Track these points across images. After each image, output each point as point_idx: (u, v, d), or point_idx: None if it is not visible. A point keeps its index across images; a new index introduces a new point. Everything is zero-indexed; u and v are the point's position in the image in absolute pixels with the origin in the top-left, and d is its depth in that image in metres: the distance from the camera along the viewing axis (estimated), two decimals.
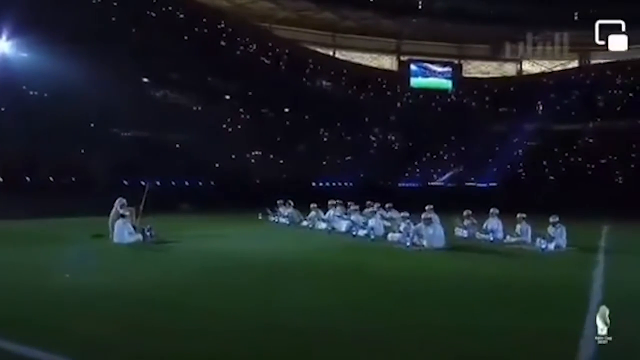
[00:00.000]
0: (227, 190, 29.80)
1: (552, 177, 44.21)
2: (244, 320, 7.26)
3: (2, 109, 26.32)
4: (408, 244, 14.47)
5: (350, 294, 9.05)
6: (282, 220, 21.23)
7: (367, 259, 13.11)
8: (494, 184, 42.89)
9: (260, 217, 22.28)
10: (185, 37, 39.66)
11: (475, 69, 56.20)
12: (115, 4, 35.77)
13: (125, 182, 25.71)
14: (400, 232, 15.66)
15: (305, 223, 20.23)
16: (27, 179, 24.32)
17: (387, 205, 19.41)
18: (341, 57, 53.19)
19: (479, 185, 43.59)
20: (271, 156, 39.34)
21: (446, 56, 54.90)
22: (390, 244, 15.48)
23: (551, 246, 14.33)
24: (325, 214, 19.91)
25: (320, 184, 37.24)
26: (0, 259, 12.02)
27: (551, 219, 14.87)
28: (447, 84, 53.80)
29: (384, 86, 52.50)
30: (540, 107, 49.41)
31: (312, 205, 20.28)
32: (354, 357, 5.95)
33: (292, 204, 21.63)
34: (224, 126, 39.13)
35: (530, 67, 55.11)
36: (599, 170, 43.22)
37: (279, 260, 12.75)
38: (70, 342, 6.15)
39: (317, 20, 50.66)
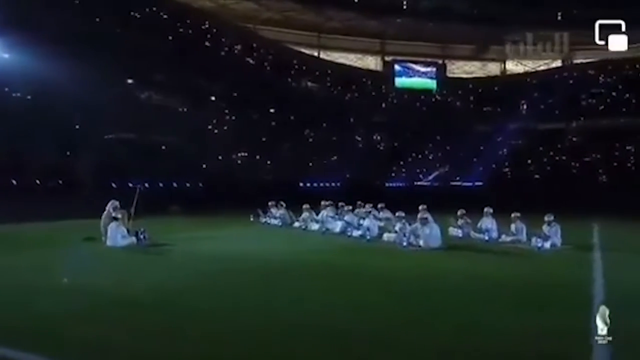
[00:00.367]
0: (215, 191, 29.65)
1: (537, 176, 44.49)
2: (248, 322, 7.19)
3: None
4: (405, 244, 14.43)
5: (354, 295, 8.98)
6: (274, 221, 21.03)
7: (366, 260, 13.04)
8: (480, 184, 43.02)
9: (251, 219, 22.08)
10: (170, 38, 39.38)
11: (460, 68, 56.45)
12: (99, 4, 35.33)
13: (114, 185, 25.40)
14: (395, 232, 15.59)
15: (297, 224, 20.08)
16: (13, 182, 23.88)
17: (379, 206, 19.33)
18: (326, 58, 53.08)
19: (465, 184, 43.73)
20: (257, 157, 39.26)
21: (430, 56, 55.06)
22: (387, 244, 15.42)
23: (547, 245, 14.37)
24: (317, 214, 19.79)
25: (308, 185, 37.11)
26: None
27: (546, 218, 14.92)
28: (431, 84, 53.95)
29: (369, 86, 52.59)
30: (525, 107, 49.77)
31: (304, 206, 20.14)
32: (360, 355, 5.94)
33: (283, 205, 21.47)
34: (210, 127, 38.95)
35: (513, 66, 55.49)
36: (584, 168, 43.63)
37: (276, 261, 12.65)
38: (70, 347, 6.10)
39: (301, 21, 50.55)
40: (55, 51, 26.71)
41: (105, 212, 15.46)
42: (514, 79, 53.73)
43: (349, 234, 17.15)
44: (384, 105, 52.14)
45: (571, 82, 49.08)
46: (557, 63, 52.68)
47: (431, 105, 52.54)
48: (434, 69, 54.27)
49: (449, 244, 14.94)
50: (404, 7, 48.66)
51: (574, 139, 46.99)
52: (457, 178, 44.89)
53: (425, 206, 17.50)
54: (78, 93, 27.16)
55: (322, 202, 19.88)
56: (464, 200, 21.97)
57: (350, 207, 18.80)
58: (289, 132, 41.86)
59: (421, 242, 14.45)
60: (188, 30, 42.06)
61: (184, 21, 41.78)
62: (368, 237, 16.07)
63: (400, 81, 53.61)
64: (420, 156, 47.78)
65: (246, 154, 39.18)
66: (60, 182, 25.35)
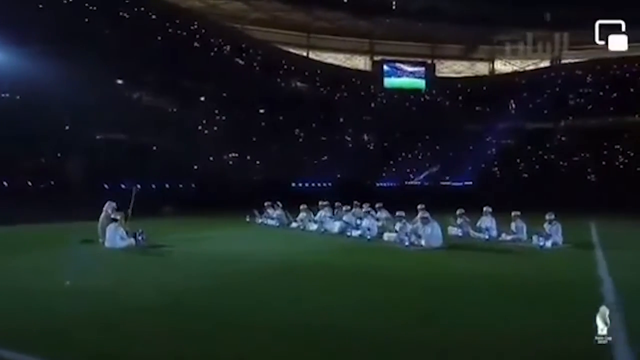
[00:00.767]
0: (208, 192, 29.51)
1: (526, 175, 44.74)
2: (257, 322, 7.13)
3: None
4: (407, 243, 14.36)
5: (361, 295, 8.92)
6: (271, 222, 20.89)
7: (370, 260, 12.94)
8: (470, 183, 43.20)
9: (247, 219, 21.91)
10: (159, 38, 39.08)
11: (448, 68, 56.62)
12: (87, 4, 35.01)
13: (106, 186, 25.14)
14: (396, 231, 15.54)
15: (294, 225, 19.95)
16: (5, 184, 23.56)
17: (377, 205, 19.24)
18: (315, 58, 52.99)
19: (455, 184, 43.87)
20: (248, 157, 39.10)
21: (419, 56, 55.12)
22: (387, 244, 15.34)
23: (548, 243, 14.40)
24: (314, 215, 19.68)
25: (300, 185, 37.04)
26: None
27: (547, 216, 14.95)
28: (420, 83, 54.01)
29: (358, 86, 52.48)
30: (513, 106, 49.96)
31: (301, 207, 20.02)
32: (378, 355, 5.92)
33: (280, 205, 21.33)
34: (200, 128, 38.77)
35: (502, 66, 55.77)
36: (572, 167, 43.93)
37: (279, 262, 12.55)
38: (74, 351, 6.04)
39: (290, 21, 50.46)
40: (44, 51, 26.44)
41: (103, 214, 15.27)
42: (502, 78, 53.97)
43: (348, 234, 17.07)
44: (373, 105, 52.13)
45: (559, 82, 49.39)
46: (546, 63, 53.01)
47: (420, 105, 52.61)
48: (423, 69, 54.35)
49: (450, 244, 14.91)
50: (393, 7, 48.66)
51: (563, 138, 47.35)
52: (447, 178, 45.03)
53: (423, 205, 17.45)
54: (67, 93, 26.98)
55: (320, 203, 19.75)
56: (454, 200, 22.12)
57: (349, 207, 18.72)
58: (278, 132, 41.67)
59: (423, 242, 14.41)
60: (177, 31, 41.81)
61: (173, 21, 41.54)
62: (368, 237, 15.99)
63: (389, 81, 53.63)
64: (409, 156, 47.82)
65: (237, 155, 38.99)
66: (52, 183, 25.02)
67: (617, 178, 40.05)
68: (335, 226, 18.10)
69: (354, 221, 17.61)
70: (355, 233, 16.86)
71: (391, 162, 46.36)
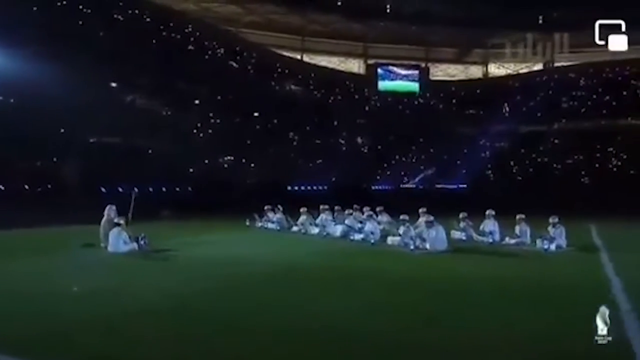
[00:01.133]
0: (205, 195, 29.33)
1: (519, 178, 44.94)
2: (261, 326, 7.08)
3: None
4: (412, 247, 14.29)
5: (370, 298, 8.89)
6: (271, 225, 20.71)
7: (375, 263, 12.87)
8: (464, 186, 43.30)
9: (247, 223, 21.76)
10: (153, 41, 38.91)
11: (442, 71, 56.82)
12: (82, 6, 34.85)
13: (103, 189, 24.97)
14: (399, 235, 15.48)
15: (295, 228, 19.81)
16: (1, 187, 23.33)
17: (378, 209, 19.11)
18: (309, 61, 52.97)
19: (449, 187, 43.94)
20: (243, 160, 39.02)
21: (413, 59, 55.24)
22: (391, 247, 15.25)
23: (553, 246, 14.37)
24: (315, 218, 19.58)
25: (296, 188, 37.00)
26: None
27: (551, 220, 14.91)
28: (414, 86, 54.17)
29: (352, 90, 52.57)
30: (507, 109, 50.15)
31: (302, 210, 19.91)
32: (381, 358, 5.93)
33: (280, 208, 21.20)
34: (195, 131, 38.63)
35: (496, 69, 56.02)
36: (566, 170, 44.17)
37: (284, 265, 12.49)
38: (76, 354, 6.03)
39: (284, 24, 50.49)
40: (37, 53, 26.35)
41: (104, 218, 15.13)
42: (496, 82, 54.32)
43: (351, 237, 16.99)
44: (367, 108, 52.19)
45: (553, 85, 49.67)
46: (539, 66, 53.29)
47: (414, 108, 52.73)
48: (417, 72, 54.54)
49: (454, 247, 14.85)
50: (387, 10, 48.77)
51: (556, 141, 47.55)
52: (441, 180, 45.10)
53: (425, 209, 17.42)
54: (62, 96, 26.79)
55: (321, 206, 19.62)
56: (449, 203, 22.12)
57: (350, 211, 18.65)
58: (273, 135, 41.68)
59: (428, 245, 14.36)
60: (171, 34, 41.70)
61: (167, 24, 41.41)
62: (372, 241, 15.90)
63: (383, 84, 53.78)
64: (404, 159, 47.94)
65: (232, 158, 38.89)
66: (49, 186, 24.82)
67: (610, 181, 40.32)
68: (338, 230, 18.00)
69: (356, 225, 17.53)
70: (358, 237, 16.77)
71: (385, 165, 46.45)
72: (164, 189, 29.17)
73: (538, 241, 14.76)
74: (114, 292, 9.25)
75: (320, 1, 46.88)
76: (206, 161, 35.63)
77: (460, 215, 17.14)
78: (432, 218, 14.89)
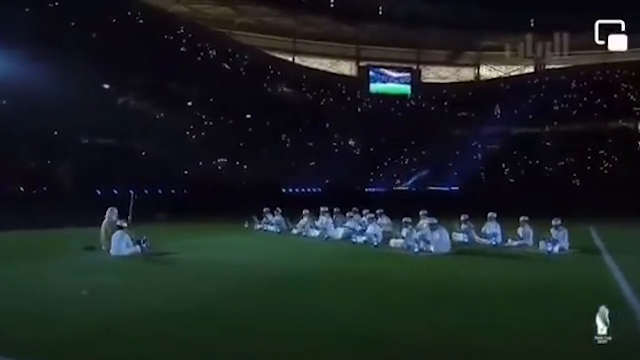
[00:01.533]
0: (201, 198, 29.19)
1: (512, 180, 45.08)
2: (269, 329, 7.06)
3: None
4: (416, 249, 14.26)
5: (382, 302, 8.85)
6: (271, 228, 20.61)
7: (381, 266, 12.83)
8: (456, 188, 43.39)
9: (246, 225, 21.66)
10: (146, 43, 38.65)
11: (434, 74, 56.88)
12: (74, 8, 34.56)
13: (99, 192, 24.78)
14: (403, 238, 15.45)
15: (295, 231, 19.74)
16: None
17: (378, 212, 19.05)
18: (301, 63, 52.91)
19: (442, 189, 43.98)
20: (237, 163, 38.90)
21: (405, 62, 55.26)
22: (395, 250, 15.20)
23: (556, 249, 14.39)
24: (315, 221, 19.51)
25: (291, 190, 36.96)
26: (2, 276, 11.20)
27: (554, 222, 14.95)
28: (406, 89, 54.16)
29: (344, 92, 52.48)
30: (499, 112, 50.32)
31: (304, 212, 19.84)
32: None
33: (280, 211, 21.12)
34: (188, 133, 38.48)
35: (487, 72, 56.23)
36: (558, 172, 44.36)
37: (289, 268, 12.45)
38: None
39: (276, 26, 50.38)
40: (30, 55, 26.10)
41: (105, 221, 14.97)
42: (488, 84, 54.44)
43: (354, 240, 16.93)
44: (359, 110, 52.12)
45: (544, 87, 49.89)
46: (530, 69, 53.54)
47: (406, 111, 52.65)
48: (409, 75, 54.55)
49: (458, 250, 14.85)
50: (380, 13, 48.82)
51: (548, 143, 47.72)
52: (434, 183, 45.13)
53: (426, 212, 17.46)
54: (54, 98, 26.60)
55: (322, 209, 19.56)
56: (442, 205, 22.11)
57: (352, 214, 18.62)
58: (266, 138, 41.58)
59: (432, 248, 14.33)
60: (164, 35, 41.50)
61: (160, 26, 41.19)
62: (376, 244, 15.84)
63: (375, 87, 53.75)
64: (396, 161, 47.93)
65: (226, 160, 38.78)
66: (45, 189, 24.60)
67: (601, 183, 40.55)
68: (339, 233, 17.95)
69: (358, 227, 17.49)
70: (361, 239, 16.70)
71: (378, 168, 46.49)
72: (159, 192, 28.93)
73: (541, 243, 14.78)
74: (121, 295, 9.20)
75: (313, 3, 46.83)
76: (200, 163, 35.44)
77: (462, 218, 17.16)
78: (435, 221, 14.89)
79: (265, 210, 21.55)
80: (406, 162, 48.46)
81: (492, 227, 16.47)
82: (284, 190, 36.33)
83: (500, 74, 55.50)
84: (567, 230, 14.93)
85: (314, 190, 38.43)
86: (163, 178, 29.77)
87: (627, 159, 42.88)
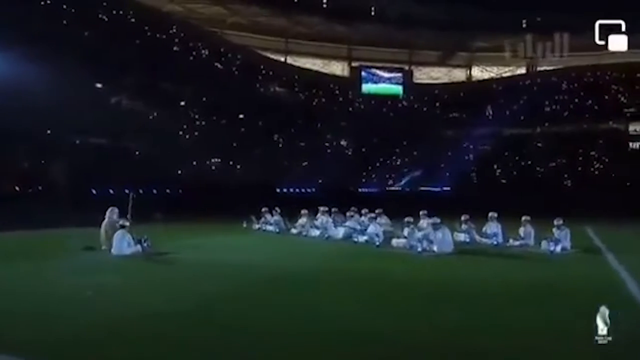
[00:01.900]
0: (196, 198, 29.02)
1: (503, 181, 45.24)
2: (274, 329, 7.07)
3: None
4: (419, 249, 14.25)
5: (388, 301, 8.87)
6: (269, 228, 20.53)
7: (387, 266, 12.84)
8: (448, 188, 43.47)
9: (244, 225, 21.56)
10: (138, 42, 38.45)
11: (426, 74, 56.91)
12: (66, 7, 34.30)
13: (94, 191, 24.56)
14: (405, 237, 15.43)
15: (294, 230, 19.68)
16: None
17: (377, 211, 19.01)
18: (293, 63, 52.79)
19: (433, 189, 44.04)
20: (230, 162, 38.77)
21: (397, 62, 55.24)
22: (397, 249, 15.18)
23: (558, 248, 14.44)
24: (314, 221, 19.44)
25: (285, 190, 36.88)
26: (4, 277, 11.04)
27: (555, 222, 15.00)
28: (397, 89, 54.11)
29: (336, 92, 52.39)
30: (490, 112, 50.45)
31: (302, 212, 19.79)
32: None
33: (278, 210, 21.02)
34: (181, 132, 38.29)
35: (479, 73, 56.36)
36: (549, 173, 44.58)
37: (292, 268, 12.45)
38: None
39: (268, 26, 50.22)
40: (22, 54, 25.87)
41: (105, 220, 14.85)
42: (479, 85, 54.52)
43: (355, 240, 16.88)
44: (351, 110, 52.07)
45: (535, 88, 50.07)
46: (522, 70, 53.73)
47: (398, 111, 52.62)
48: (401, 75, 54.48)
49: (460, 249, 14.85)
50: (372, 13, 48.80)
51: (539, 144, 47.94)
52: (425, 183, 45.17)
53: (426, 211, 17.48)
54: (46, 97, 26.33)
55: (321, 208, 19.50)
56: (434, 205, 22.05)
57: (352, 213, 18.57)
58: (258, 137, 41.44)
59: (435, 248, 14.32)
60: (156, 34, 41.26)
61: (152, 25, 40.95)
62: (377, 243, 15.81)
63: (366, 87, 53.65)
64: (388, 161, 47.95)
65: (219, 160, 38.63)
66: (40, 188, 24.35)
67: (592, 183, 40.83)
68: (340, 232, 17.90)
69: (358, 227, 17.45)
70: (362, 239, 16.67)
71: (370, 168, 46.50)
72: (154, 191, 28.69)
73: (543, 243, 14.86)
74: (122, 295, 9.20)
75: (305, 3, 46.73)
76: (194, 163, 35.26)
77: (463, 218, 17.18)
78: (438, 220, 14.88)
79: (263, 209, 21.49)
80: (398, 163, 48.48)
81: (492, 227, 16.50)
82: (278, 190, 36.16)
83: (492, 74, 55.64)
84: (568, 230, 14.98)
85: (308, 190, 38.35)
86: (157, 178, 29.53)
87: (617, 160, 43.22)
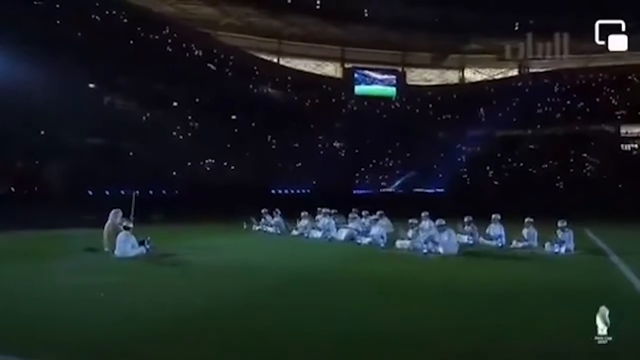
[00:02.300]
0: (192, 198, 28.88)
1: (496, 182, 45.40)
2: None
3: None
4: (425, 251, 14.23)
5: (408, 304, 8.74)
6: (270, 229, 20.46)
7: (392, 267, 12.82)
8: (441, 190, 43.56)
9: (244, 226, 21.47)
10: (131, 42, 38.22)
11: (419, 76, 57.02)
12: (59, 7, 34.02)
13: (90, 192, 24.37)
14: (409, 238, 15.41)
15: (295, 232, 19.61)
16: None
17: (378, 213, 18.99)
18: (286, 64, 52.73)
19: (427, 191, 44.11)
20: (225, 164, 38.65)
21: (390, 64, 55.31)
22: (401, 251, 15.14)
23: (562, 250, 14.51)
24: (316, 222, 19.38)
25: (279, 191, 36.79)
26: (13, 278, 10.89)
27: (559, 224, 15.03)
28: (390, 91, 54.21)
29: (329, 94, 52.39)
30: (483, 114, 50.67)
31: (302, 214, 19.73)
32: None
33: (279, 212, 20.93)
34: (174, 133, 38.14)
35: (472, 75, 56.54)
36: (541, 174, 44.80)
37: (307, 271, 12.28)
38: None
39: (261, 27, 50.09)
40: (15, 54, 25.64)
41: (108, 222, 14.70)
42: (472, 87, 54.68)
43: (358, 241, 16.84)
44: (344, 111, 52.10)
45: (527, 90, 50.33)
46: (514, 72, 53.94)
47: (391, 113, 52.72)
48: (394, 77, 54.59)
49: (464, 251, 14.85)
50: (365, 14, 48.78)
51: (531, 146, 48.20)
52: (419, 184, 45.22)
53: (427, 213, 17.48)
54: (39, 97, 26.22)
55: (324, 210, 19.41)
56: (429, 207, 22.10)
57: (355, 215, 18.53)
58: (252, 138, 41.36)
59: (441, 249, 14.30)
60: (149, 35, 41.05)
61: (145, 26, 40.73)
62: (382, 245, 15.78)
63: (359, 88, 53.69)
64: (381, 163, 48.03)
65: (213, 161, 38.50)
66: (36, 189, 24.13)
67: (584, 185, 41.07)
68: (342, 234, 17.85)
69: (360, 228, 17.42)
70: (365, 240, 16.64)
71: (362, 169, 46.54)
72: (150, 192, 28.50)
73: (547, 244, 14.90)
74: (137, 296, 9.10)
75: (298, 4, 46.62)
76: (189, 163, 35.12)
77: (465, 219, 17.15)
78: (443, 222, 14.88)
79: (263, 211, 21.39)
80: (391, 164, 48.54)
81: (496, 229, 16.51)
82: (272, 191, 36.07)
83: (485, 76, 55.84)
84: (572, 232, 15.03)
85: (302, 191, 38.30)
86: (153, 178, 29.35)
87: (608, 162, 43.55)
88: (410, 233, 15.59)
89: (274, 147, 44.17)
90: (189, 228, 22.00)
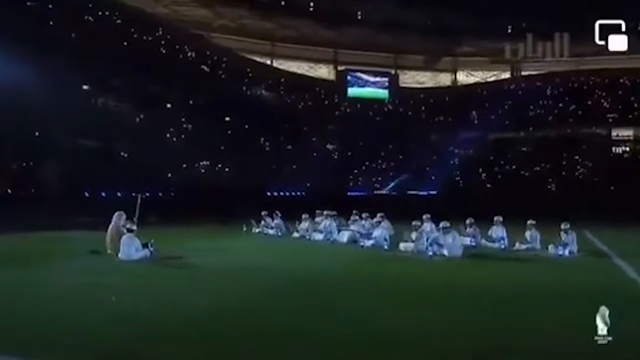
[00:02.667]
0: (188, 201, 28.74)
1: (488, 185, 45.56)
2: (298, 330, 7.00)
3: None
4: (430, 253, 14.23)
5: (413, 306, 8.73)
6: (270, 231, 20.39)
7: (397, 269, 12.85)
8: (434, 192, 43.67)
9: (244, 229, 21.36)
10: (124, 44, 37.99)
11: (412, 79, 57.14)
12: (52, 8, 33.78)
13: (87, 194, 24.19)
14: (413, 241, 15.40)
15: (297, 234, 19.56)
16: None
17: (379, 215, 18.95)
18: (279, 66, 52.66)
19: (420, 193, 44.21)
20: (219, 166, 38.54)
21: (383, 66, 55.37)
22: (405, 253, 15.12)
23: (566, 252, 14.56)
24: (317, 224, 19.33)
25: (275, 194, 36.73)
26: (17, 280, 10.76)
27: (562, 226, 15.09)
28: (383, 93, 54.29)
29: (322, 96, 52.40)
30: (475, 117, 50.86)
31: (303, 216, 19.69)
32: None
33: (279, 214, 20.85)
34: (168, 135, 37.97)
35: (464, 77, 56.72)
36: (533, 177, 45.04)
37: (311, 273, 12.26)
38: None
39: (254, 29, 50.01)
40: (8, 55, 25.39)
41: (112, 224, 14.60)
42: (464, 89, 54.89)
43: (361, 243, 16.82)
44: (337, 113, 52.11)
45: (520, 93, 50.57)
46: (506, 74, 54.19)
47: (384, 115, 52.80)
48: (386, 79, 54.67)
49: (468, 254, 14.85)
50: (358, 17, 48.81)
51: (524, 148, 48.45)
52: (412, 187, 45.30)
53: (429, 215, 17.46)
54: (33, 99, 25.96)
55: (325, 212, 19.36)
56: (422, 209, 22.17)
57: (357, 217, 18.52)
58: (245, 140, 41.24)
59: (445, 252, 14.30)
60: (142, 36, 40.85)
61: (138, 27, 40.53)
62: (386, 247, 15.76)
63: (352, 91, 53.73)
64: (374, 165, 48.06)
65: (208, 163, 38.38)
66: (33, 190, 23.92)
67: (576, 188, 41.31)
68: (345, 236, 17.81)
69: (363, 231, 17.40)
70: (368, 243, 16.62)
71: (355, 172, 46.55)
72: (147, 194, 28.26)
73: (551, 247, 14.96)
74: (147, 299, 9.05)
75: (291, 7, 46.57)
76: (184, 165, 34.98)
77: (468, 221, 17.13)
78: (448, 224, 14.87)
79: (263, 213, 21.28)
80: (384, 167, 48.58)
81: (498, 231, 16.53)
82: (268, 193, 35.99)
83: (477, 79, 56.04)
84: (575, 234, 15.09)
85: (297, 193, 38.26)
86: (148, 180, 29.16)
87: (600, 165, 43.87)
88: (414, 235, 15.59)
89: (267, 149, 44.11)
90: (188, 230, 21.89)
